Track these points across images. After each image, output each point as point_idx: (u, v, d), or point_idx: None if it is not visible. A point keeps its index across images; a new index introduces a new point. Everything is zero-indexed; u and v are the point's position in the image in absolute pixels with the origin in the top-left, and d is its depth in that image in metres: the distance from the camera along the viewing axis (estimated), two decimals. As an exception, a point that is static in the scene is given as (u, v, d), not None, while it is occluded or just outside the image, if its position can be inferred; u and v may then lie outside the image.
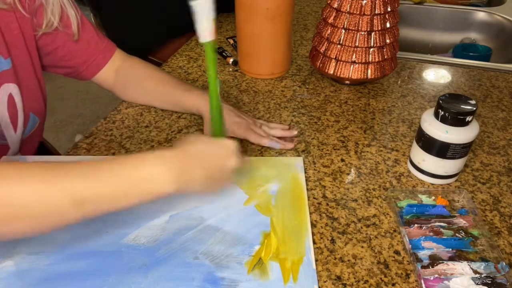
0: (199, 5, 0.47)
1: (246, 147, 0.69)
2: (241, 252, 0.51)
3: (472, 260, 0.51)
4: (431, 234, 0.54)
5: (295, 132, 0.71)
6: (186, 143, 0.50)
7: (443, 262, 0.50)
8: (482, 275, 0.49)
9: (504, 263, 0.50)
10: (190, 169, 0.48)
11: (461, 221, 0.56)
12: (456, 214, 0.57)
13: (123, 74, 0.76)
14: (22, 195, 0.41)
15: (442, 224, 0.55)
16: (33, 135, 0.72)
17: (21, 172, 0.42)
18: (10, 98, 0.63)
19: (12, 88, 0.63)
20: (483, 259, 0.51)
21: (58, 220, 0.43)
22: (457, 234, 0.54)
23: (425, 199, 0.59)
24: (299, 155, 0.68)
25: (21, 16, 0.62)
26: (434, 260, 0.50)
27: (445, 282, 0.48)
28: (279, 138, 0.70)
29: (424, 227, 0.54)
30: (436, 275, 0.49)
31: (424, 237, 0.53)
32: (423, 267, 0.49)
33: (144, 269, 0.49)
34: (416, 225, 0.55)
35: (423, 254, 0.51)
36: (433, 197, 0.60)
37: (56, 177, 0.42)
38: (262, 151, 0.68)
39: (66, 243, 0.52)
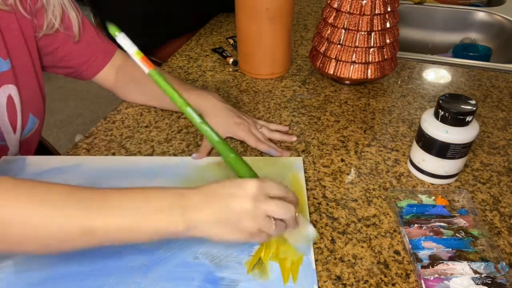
0: (120, 43, 0.48)
1: (246, 147, 0.69)
2: (240, 252, 0.51)
3: (472, 260, 0.51)
4: (431, 234, 0.54)
5: (294, 138, 0.70)
6: (208, 183, 0.46)
7: (443, 262, 0.50)
8: (482, 275, 0.49)
9: (504, 263, 0.50)
10: (198, 208, 0.44)
11: (461, 221, 0.56)
12: (456, 214, 0.57)
13: (123, 74, 0.76)
14: (31, 217, 0.40)
15: (442, 224, 0.55)
16: (32, 136, 0.72)
17: (33, 195, 0.41)
18: (10, 99, 0.63)
19: (11, 89, 0.63)
20: (483, 259, 0.51)
21: (65, 246, 0.43)
22: (457, 234, 0.54)
23: (425, 199, 0.59)
24: (299, 155, 0.68)
25: (21, 17, 0.62)
26: (434, 260, 0.50)
27: (445, 282, 0.48)
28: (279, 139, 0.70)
29: (424, 227, 0.54)
30: (436, 275, 0.49)
31: (424, 237, 0.53)
32: (423, 267, 0.50)
33: (144, 269, 0.49)
34: (416, 225, 0.55)
35: (423, 254, 0.51)
36: (433, 197, 0.60)
37: (67, 205, 0.42)
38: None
39: None
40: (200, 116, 0.51)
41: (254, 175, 0.52)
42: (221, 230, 0.44)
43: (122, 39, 0.48)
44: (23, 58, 0.64)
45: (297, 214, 0.48)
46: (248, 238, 0.45)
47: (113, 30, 0.48)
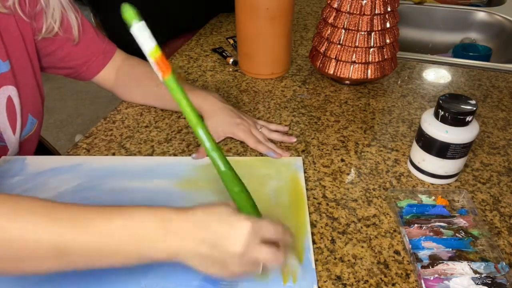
0: (135, 36, 0.40)
1: (245, 147, 0.69)
2: None
3: (472, 260, 0.51)
4: (431, 234, 0.54)
5: (294, 140, 0.70)
6: (199, 207, 0.42)
7: (443, 262, 0.50)
8: (482, 275, 0.49)
9: (504, 263, 0.50)
10: (180, 237, 0.40)
11: (461, 221, 0.56)
12: (456, 214, 0.57)
13: (123, 75, 0.76)
14: (7, 232, 0.37)
15: (442, 224, 0.55)
16: (31, 137, 0.72)
17: (9, 208, 0.38)
18: (9, 100, 0.63)
19: (11, 91, 0.63)
20: (483, 259, 0.51)
21: (40, 265, 0.39)
22: (457, 234, 0.54)
23: (425, 199, 0.59)
24: (299, 155, 0.68)
25: (20, 18, 0.62)
26: (434, 260, 0.50)
27: (445, 282, 0.48)
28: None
29: (424, 227, 0.54)
30: (436, 275, 0.49)
31: (424, 237, 0.53)
32: (423, 267, 0.49)
33: (144, 269, 0.49)
34: (416, 225, 0.55)
35: (423, 254, 0.51)
36: (433, 197, 0.60)
37: (46, 221, 0.38)
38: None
39: None
40: (213, 142, 0.46)
41: (256, 214, 0.48)
42: (204, 263, 0.41)
43: (139, 30, 0.40)
44: (22, 60, 0.64)
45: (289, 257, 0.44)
46: (231, 277, 0.44)
47: (130, 15, 0.39)
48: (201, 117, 0.47)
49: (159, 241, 0.39)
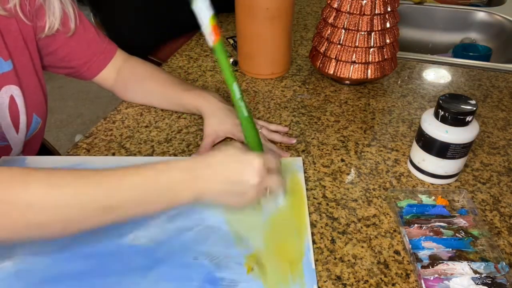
0: (197, 8, 0.49)
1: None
2: (240, 252, 0.51)
3: (472, 260, 0.51)
4: (431, 234, 0.54)
5: (294, 141, 0.70)
6: (213, 151, 0.50)
7: (443, 262, 0.50)
8: (482, 275, 0.49)
9: (504, 263, 0.50)
10: (206, 180, 0.47)
11: (461, 221, 0.56)
12: (456, 214, 0.57)
13: (123, 75, 0.76)
14: (54, 200, 0.42)
15: (442, 224, 0.55)
16: (35, 136, 0.72)
17: (51, 179, 0.43)
18: (12, 99, 0.63)
19: (13, 90, 0.63)
20: (483, 259, 0.51)
21: (85, 225, 0.45)
22: (457, 234, 0.54)
23: (425, 199, 0.59)
24: (299, 155, 0.68)
25: (21, 18, 0.62)
26: (434, 260, 0.50)
27: (445, 282, 0.48)
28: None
29: (424, 227, 0.54)
30: (436, 275, 0.49)
31: (424, 237, 0.53)
32: (423, 267, 0.49)
33: (144, 269, 0.49)
34: (416, 225, 0.55)
35: (423, 254, 0.51)
36: (433, 197, 0.60)
37: (87, 185, 0.43)
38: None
39: (66, 244, 0.52)
40: (242, 95, 0.54)
41: (261, 150, 0.58)
42: (226, 198, 0.49)
43: (201, 1, 0.49)
44: (24, 59, 0.64)
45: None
46: (246, 205, 0.50)
47: None
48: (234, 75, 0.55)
49: (188, 188, 0.46)
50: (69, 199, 0.42)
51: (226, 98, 0.82)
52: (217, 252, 0.51)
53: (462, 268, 0.49)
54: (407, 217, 0.56)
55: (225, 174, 0.48)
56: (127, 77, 0.76)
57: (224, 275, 0.49)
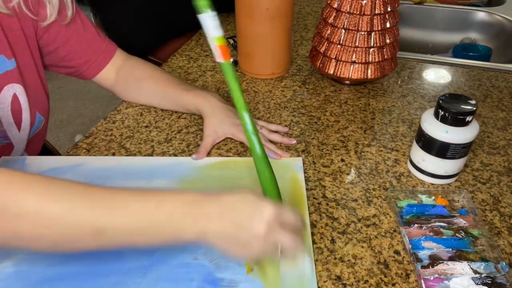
0: (203, 20, 0.47)
1: (245, 147, 0.69)
2: None
3: (472, 260, 0.51)
4: (431, 234, 0.54)
5: (294, 141, 0.70)
6: (227, 192, 0.45)
7: (443, 262, 0.50)
8: (482, 275, 0.49)
9: (504, 263, 0.50)
10: (210, 219, 0.43)
11: (461, 221, 0.56)
12: (456, 214, 0.57)
13: (123, 74, 0.76)
14: (47, 213, 0.40)
15: (442, 224, 0.55)
16: (38, 134, 0.72)
17: (50, 191, 0.41)
18: (15, 98, 0.63)
19: (16, 88, 0.63)
20: (483, 259, 0.51)
21: (77, 245, 0.43)
22: (457, 234, 0.54)
23: (425, 199, 0.59)
24: (299, 155, 0.68)
25: (22, 16, 0.62)
26: (434, 260, 0.50)
27: (445, 282, 0.48)
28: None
29: (424, 227, 0.54)
30: (436, 275, 0.49)
31: (424, 237, 0.53)
32: (423, 267, 0.49)
33: (143, 269, 0.49)
34: (416, 225, 0.55)
35: (423, 254, 0.51)
36: (433, 197, 0.60)
37: (83, 205, 0.41)
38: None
39: None
40: (254, 126, 0.51)
41: (279, 198, 0.53)
42: (228, 244, 0.44)
43: (210, 18, 0.46)
44: (26, 57, 0.64)
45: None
46: (249, 258, 0.47)
47: (203, 4, 0.46)
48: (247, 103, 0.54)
49: (190, 223, 0.42)
50: (61, 215, 0.40)
51: (226, 98, 0.82)
52: (217, 252, 0.51)
53: (462, 268, 0.49)
54: (407, 217, 0.56)
55: (231, 217, 0.43)
56: (127, 77, 0.76)
57: (224, 276, 0.49)
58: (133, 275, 0.49)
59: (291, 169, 0.64)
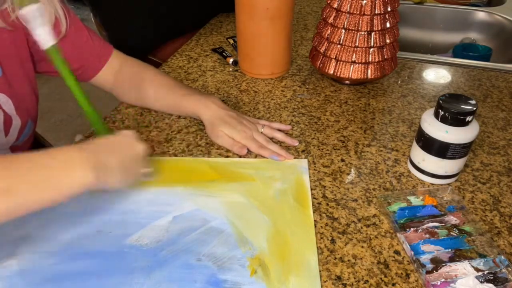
0: (28, 13, 0.50)
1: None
2: (244, 254, 0.51)
3: (471, 258, 0.51)
4: (427, 236, 0.54)
5: (296, 143, 0.70)
6: (100, 138, 0.52)
7: (445, 264, 0.50)
8: (485, 272, 0.49)
9: (502, 257, 0.50)
10: (106, 157, 0.49)
11: (452, 218, 0.56)
12: (446, 212, 0.57)
13: (121, 76, 0.75)
14: None
15: (435, 224, 0.55)
16: (29, 139, 0.72)
17: None
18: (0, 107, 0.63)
19: (1, 98, 0.62)
20: (481, 255, 0.51)
21: None
22: (451, 233, 0.54)
23: (414, 200, 0.59)
24: (299, 155, 0.67)
25: (15, 26, 0.61)
26: (436, 263, 0.50)
27: (452, 285, 0.48)
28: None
29: (419, 230, 0.54)
30: (443, 279, 0.48)
31: (422, 240, 0.53)
32: (427, 272, 0.49)
33: (147, 269, 0.49)
34: (412, 229, 0.54)
35: (425, 258, 0.51)
36: (421, 197, 0.59)
37: None
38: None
39: (70, 243, 0.52)
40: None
41: (105, 130, 0.62)
42: (123, 176, 0.51)
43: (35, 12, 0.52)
44: (15, 67, 0.64)
45: None
46: (137, 177, 0.55)
47: None
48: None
49: (84, 163, 0.46)
50: None
51: (226, 98, 0.82)
52: (221, 253, 0.51)
53: (464, 267, 0.49)
54: (401, 221, 0.56)
55: (120, 150, 0.52)
56: (125, 79, 0.75)
57: (227, 277, 0.49)
58: (136, 275, 0.49)
59: (296, 171, 0.64)
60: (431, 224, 0.55)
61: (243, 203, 0.58)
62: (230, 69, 0.92)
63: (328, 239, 0.54)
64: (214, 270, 0.49)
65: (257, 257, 0.51)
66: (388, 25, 0.77)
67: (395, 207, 0.58)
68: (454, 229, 0.54)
